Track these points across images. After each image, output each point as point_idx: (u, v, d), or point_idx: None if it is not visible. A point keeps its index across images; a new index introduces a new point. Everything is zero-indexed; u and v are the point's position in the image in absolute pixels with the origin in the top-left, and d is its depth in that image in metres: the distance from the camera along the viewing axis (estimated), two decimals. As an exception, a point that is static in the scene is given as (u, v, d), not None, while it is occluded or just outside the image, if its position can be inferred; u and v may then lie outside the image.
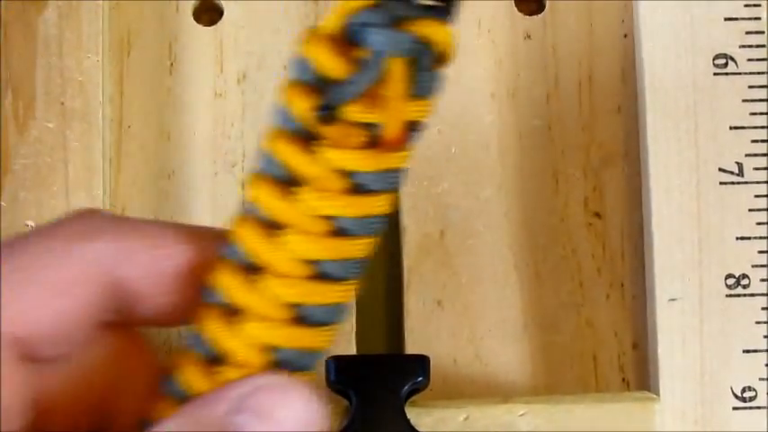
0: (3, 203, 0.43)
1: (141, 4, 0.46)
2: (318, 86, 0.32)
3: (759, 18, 0.45)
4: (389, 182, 0.32)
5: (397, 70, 0.32)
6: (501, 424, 0.42)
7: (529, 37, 0.47)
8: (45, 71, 0.44)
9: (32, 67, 0.44)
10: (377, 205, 0.32)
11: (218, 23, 0.46)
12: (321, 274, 0.32)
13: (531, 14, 0.47)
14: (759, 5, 0.45)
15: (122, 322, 0.34)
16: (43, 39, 0.44)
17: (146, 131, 0.46)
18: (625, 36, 0.47)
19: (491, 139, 0.46)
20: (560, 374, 0.45)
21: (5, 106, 0.44)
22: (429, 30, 0.32)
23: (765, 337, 0.43)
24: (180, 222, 0.36)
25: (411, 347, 0.44)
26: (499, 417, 0.42)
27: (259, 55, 0.46)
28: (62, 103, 0.44)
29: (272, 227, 0.32)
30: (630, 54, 0.46)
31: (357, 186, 0.32)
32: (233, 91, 0.46)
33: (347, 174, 0.32)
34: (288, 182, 0.32)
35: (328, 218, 0.32)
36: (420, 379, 0.41)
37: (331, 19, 0.32)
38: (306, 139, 0.32)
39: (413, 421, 0.40)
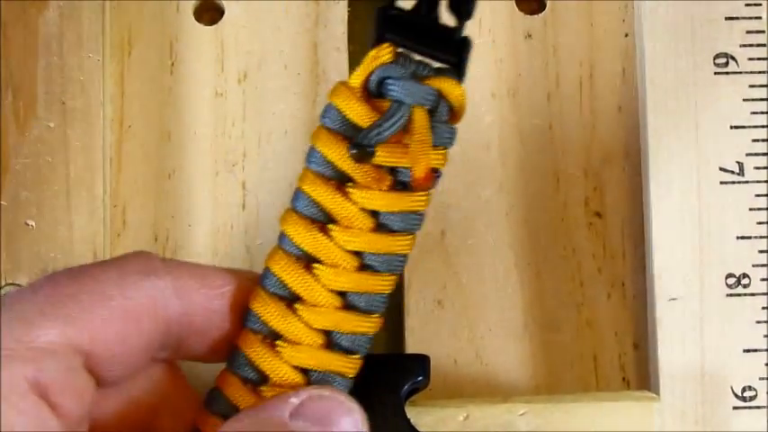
0: (3, 203, 0.43)
1: (142, 4, 0.46)
2: (348, 133, 0.36)
3: (760, 17, 0.45)
4: (411, 223, 0.37)
5: (418, 119, 0.36)
6: (501, 423, 0.42)
7: (529, 36, 0.47)
8: (46, 71, 0.44)
9: (33, 66, 0.44)
10: (400, 244, 0.36)
11: (219, 23, 0.46)
12: (349, 305, 0.36)
13: (531, 14, 0.47)
14: (759, 5, 0.45)
15: (172, 358, 0.37)
16: (44, 38, 0.44)
17: (146, 131, 0.46)
18: (626, 35, 0.47)
19: (491, 138, 0.46)
20: (560, 374, 0.45)
21: (6, 106, 0.44)
22: (445, 85, 0.36)
23: (766, 336, 0.43)
24: (227, 267, 0.39)
25: (411, 347, 0.44)
26: (499, 416, 0.42)
27: (260, 54, 0.46)
28: (63, 103, 0.44)
29: (305, 260, 0.36)
30: (631, 53, 0.46)
31: (382, 226, 0.36)
32: (234, 90, 0.46)
33: (374, 213, 0.36)
34: (320, 219, 0.36)
35: (356, 253, 0.36)
36: (420, 378, 0.41)
37: (357, 73, 0.36)
38: (337, 180, 0.36)
39: (413, 420, 0.40)
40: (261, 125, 0.46)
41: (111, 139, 0.45)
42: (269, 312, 0.36)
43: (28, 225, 0.43)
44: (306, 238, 0.36)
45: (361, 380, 0.38)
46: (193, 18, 0.46)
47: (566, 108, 0.46)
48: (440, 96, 0.36)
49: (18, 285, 0.42)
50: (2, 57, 0.44)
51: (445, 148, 0.36)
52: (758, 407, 0.43)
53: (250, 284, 0.37)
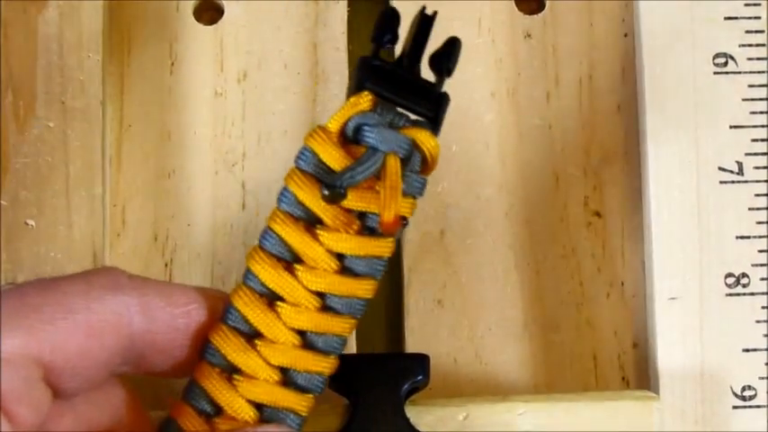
0: (3, 202, 0.43)
1: (142, 4, 0.46)
2: (321, 176, 0.37)
3: (759, 17, 0.45)
4: (375, 268, 0.37)
5: (390, 166, 0.36)
6: (501, 423, 0.42)
7: (529, 36, 0.47)
8: (45, 70, 0.44)
9: (33, 66, 0.44)
10: (363, 288, 0.37)
11: (219, 23, 0.46)
12: (308, 344, 0.37)
13: (531, 14, 0.47)
14: (759, 5, 0.45)
15: (132, 373, 0.37)
16: (44, 38, 0.44)
17: (146, 131, 0.46)
18: (625, 35, 0.47)
19: (491, 138, 0.46)
20: (560, 373, 0.45)
21: (6, 105, 0.44)
22: (419, 136, 0.37)
23: (765, 335, 0.43)
24: (190, 284, 0.40)
25: (411, 346, 0.44)
26: (499, 415, 0.42)
27: (259, 54, 0.46)
28: (63, 103, 0.44)
29: (268, 297, 0.37)
30: (631, 53, 0.46)
31: (347, 269, 0.37)
32: (233, 90, 0.46)
33: (340, 256, 0.37)
34: (286, 258, 0.37)
35: (319, 294, 0.37)
36: (420, 378, 0.41)
37: (335, 118, 0.37)
38: (306, 221, 0.37)
39: (413, 420, 0.40)
40: (260, 125, 0.46)
41: (111, 138, 0.45)
42: (228, 346, 0.37)
43: (28, 225, 0.43)
44: (271, 275, 0.37)
45: (361, 379, 0.38)
46: (193, 18, 0.46)
47: (565, 108, 0.46)
48: (414, 146, 0.37)
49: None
50: (2, 56, 0.44)
51: (414, 198, 0.37)
52: (758, 406, 0.43)
53: (217, 303, 0.38)
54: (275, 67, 0.46)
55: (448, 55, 0.38)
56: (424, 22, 0.38)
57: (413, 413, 0.41)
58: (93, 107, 0.44)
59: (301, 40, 0.46)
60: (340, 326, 0.37)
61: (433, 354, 0.42)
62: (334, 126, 0.37)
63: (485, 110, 0.46)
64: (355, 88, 0.37)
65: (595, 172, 0.46)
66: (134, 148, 0.45)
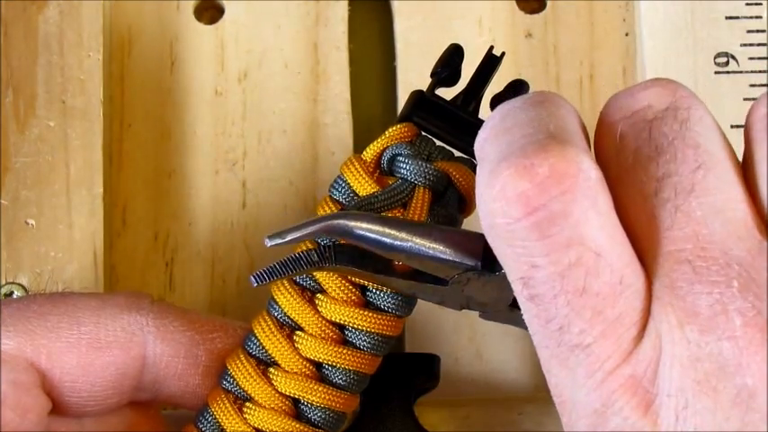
0: (4, 202, 0.43)
1: (142, 3, 0.46)
2: (352, 205, 0.36)
3: (760, 17, 0.45)
4: (400, 305, 0.36)
5: (417, 198, 0.36)
6: (501, 422, 0.42)
7: (530, 35, 0.47)
8: (46, 70, 0.44)
9: (33, 65, 0.44)
10: (385, 324, 0.36)
11: (219, 22, 0.46)
12: (323, 377, 0.36)
13: (532, 13, 0.47)
14: (760, 4, 0.45)
15: (150, 400, 0.37)
16: (44, 37, 0.44)
17: (146, 130, 0.46)
18: (626, 35, 0.47)
19: (492, 137, 0.46)
20: (561, 373, 0.45)
21: (6, 105, 0.44)
22: (455, 170, 0.36)
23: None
24: (215, 315, 0.39)
25: (411, 346, 0.44)
26: (500, 415, 0.42)
27: (260, 53, 0.46)
28: (63, 102, 0.44)
29: (289, 327, 0.36)
30: (632, 52, 0.46)
31: (370, 303, 0.36)
32: (234, 89, 0.46)
33: (363, 289, 0.36)
34: (310, 288, 0.36)
35: (338, 326, 0.36)
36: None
37: (371, 148, 0.37)
38: (309, 290, 0.36)
39: (413, 420, 0.41)
40: (261, 124, 0.46)
41: (112, 137, 0.45)
42: (241, 372, 0.36)
43: (28, 224, 0.43)
44: (292, 305, 0.36)
45: (370, 378, 0.38)
46: (193, 17, 0.46)
47: (566, 107, 0.46)
48: (449, 181, 0.36)
49: (19, 284, 0.42)
50: (2, 56, 0.44)
51: None
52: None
53: (240, 332, 0.37)
54: (276, 67, 0.46)
55: (510, 97, 0.38)
56: (489, 62, 0.38)
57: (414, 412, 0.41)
58: (93, 106, 0.44)
59: (302, 39, 0.46)
60: (358, 361, 0.36)
61: (434, 353, 0.42)
62: (369, 156, 0.37)
63: (485, 109, 0.46)
64: (401, 119, 0.37)
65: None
66: (134, 148, 0.45)
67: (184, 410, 0.38)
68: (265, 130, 0.46)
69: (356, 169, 0.37)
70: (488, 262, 0.33)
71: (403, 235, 0.33)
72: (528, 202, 0.28)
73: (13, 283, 0.42)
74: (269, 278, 0.35)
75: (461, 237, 0.33)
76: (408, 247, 0.33)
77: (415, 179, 0.36)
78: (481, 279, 0.33)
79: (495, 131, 0.30)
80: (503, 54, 0.38)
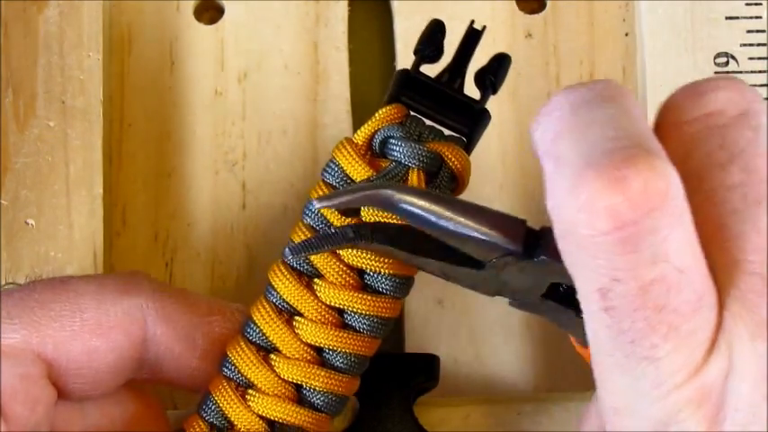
0: (4, 202, 0.43)
1: (142, 3, 0.46)
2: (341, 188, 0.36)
3: (760, 17, 0.45)
4: (398, 287, 0.36)
5: (412, 180, 0.36)
6: (501, 423, 0.42)
7: (530, 35, 0.47)
8: (46, 69, 0.44)
9: (33, 65, 0.44)
10: (383, 306, 0.36)
11: (219, 22, 0.46)
12: (324, 361, 0.36)
13: (532, 13, 0.47)
14: (760, 4, 0.45)
15: (146, 379, 0.37)
16: (44, 37, 0.44)
17: (146, 130, 0.46)
18: (626, 35, 0.47)
19: (491, 138, 0.46)
20: (560, 374, 0.45)
21: (6, 105, 0.44)
22: (448, 150, 0.36)
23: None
24: (214, 297, 0.39)
25: (411, 346, 0.44)
26: (500, 415, 0.42)
27: (260, 53, 0.46)
28: (63, 102, 0.44)
29: (288, 312, 0.36)
30: (631, 52, 0.46)
31: (367, 286, 0.36)
32: (233, 89, 0.46)
33: (360, 272, 0.36)
34: (307, 273, 0.36)
35: (337, 310, 0.36)
36: (429, 378, 0.41)
37: (362, 131, 0.36)
38: (306, 275, 0.36)
39: (413, 420, 0.41)
40: (261, 124, 0.46)
41: (111, 137, 0.45)
42: (242, 360, 0.36)
43: (28, 224, 0.43)
44: (290, 290, 0.36)
45: (369, 377, 0.38)
46: (193, 17, 0.46)
47: (566, 107, 0.46)
48: (441, 162, 0.36)
49: (19, 284, 0.42)
50: (2, 56, 0.44)
51: None
52: None
53: (238, 316, 0.37)
54: (275, 67, 0.46)
55: (495, 71, 0.38)
56: (471, 37, 0.38)
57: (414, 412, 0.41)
58: (93, 106, 0.44)
59: (302, 39, 0.46)
60: (358, 344, 0.36)
61: (433, 354, 0.42)
62: (360, 138, 0.37)
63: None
64: (388, 100, 0.37)
65: (596, 171, 0.46)
66: (134, 148, 0.45)
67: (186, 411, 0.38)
68: (265, 131, 0.46)
69: (348, 152, 0.36)
70: (528, 248, 0.32)
71: (448, 212, 0.32)
72: (618, 217, 0.27)
73: (13, 283, 0.42)
74: (305, 251, 0.34)
75: (504, 219, 0.32)
76: (452, 225, 0.32)
77: (409, 161, 0.36)
78: (519, 265, 0.33)
79: (570, 127, 0.29)
80: (484, 27, 0.38)
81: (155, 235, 0.45)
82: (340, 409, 0.37)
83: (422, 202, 0.33)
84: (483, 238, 0.32)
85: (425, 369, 0.41)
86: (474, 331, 0.44)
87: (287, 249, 0.34)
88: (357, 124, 0.46)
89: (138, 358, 0.36)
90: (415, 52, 0.38)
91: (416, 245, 0.34)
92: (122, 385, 0.37)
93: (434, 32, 0.38)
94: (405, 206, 0.33)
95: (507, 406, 0.42)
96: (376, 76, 0.47)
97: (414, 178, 0.36)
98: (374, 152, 0.37)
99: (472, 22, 0.38)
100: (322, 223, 0.36)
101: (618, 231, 0.28)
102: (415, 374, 0.41)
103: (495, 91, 0.38)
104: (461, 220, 0.32)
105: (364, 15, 0.47)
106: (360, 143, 0.37)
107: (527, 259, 0.32)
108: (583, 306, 0.30)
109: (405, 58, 0.46)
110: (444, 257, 0.34)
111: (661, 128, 0.31)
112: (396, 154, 0.36)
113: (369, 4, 0.47)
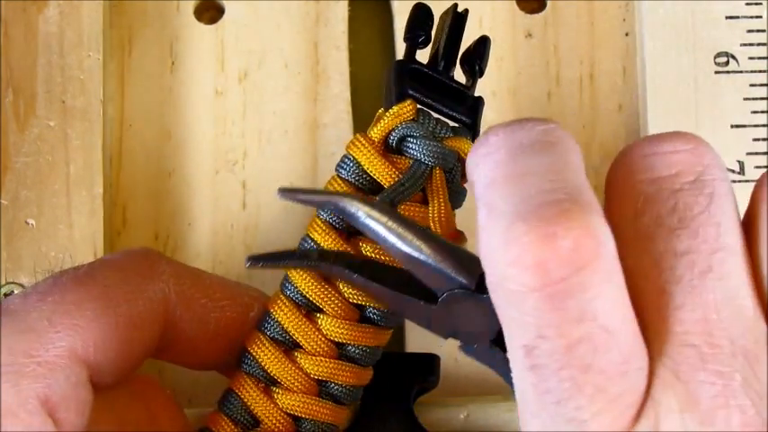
0: (4, 201, 0.43)
1: (142, 3, 0.46)
2: (363, 186, 0.36)
3: (760, 17, 0.45)
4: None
5: (436, 180, 0.36)
6: (501, 422, 0.42)
7: (530, 35, 0.47)
8: (46, 69, 0.44)
9: (33, 65, 0.44)
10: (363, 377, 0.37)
11: (219, 22, 0.46)
12: (346, 356, 0.37)
13: (532, 13, 0.47)
14: (760, 4, 0.45)
15: (156, 357, 0.37)
16: (44, 37, 0.44)
17: (147, 130, 0.46)
18: (626, 34, 0.47)
19: (492, 137, 0.46)
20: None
21: (6, 105, 0.44)
22: (463, 147, 0.36)
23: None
24: (228, 279, 0.39)
25: (411, 346, 0.44)
26: (500, 415, 0.42)
27: (260, 53, 0.46)
28: (63, 102, 0.44)
29: (306, 307, 0.36)
30: (632, 52, 0.46)
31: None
32: (234, 89, 0.46)
33: (360, 306, 0.36)
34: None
35: (357, 305, 0.36)
36: (429, 378, 0.41)
37: (379, 128, 0.36)
38: (345, 232, 0.36)
39: (414, 420, 0.40)
40: (261, 124, 0.46)
41: (112, 137, 0.45)
42: (267, 357, 0.36)
43: (28, 224, 0.43)
44: (311, 285, 0.36)
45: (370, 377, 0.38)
46: (194, 17, 0.46)
47: (566, 107, 0.46)
48: (458, 158, 0.37)
49: (19, 284, 0.42)
50: (2, 55, 0.44)
51: (454, 209, 0.37)
52: None
53: (250, 303, 0.37)
54: (276, 67, 0.46)
55: (480, 55, 0.38)
56: (459, 21, 0.38)
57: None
58: (93, 106, 0.44)
59: (302, 39, 0.46)
60: (377, 337, 0.37)
61: (434, 354, 0.42)
62: (377, 135, 0.37)
63: (486, 109, 0.46)
64: (398, 96, 0.37)
65: (596, 171, 0.46)
66: (134, 148, 0.45)
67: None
68: (265, 130, 0.46)
69: (365, 148, 0.37)
70: (482, 285, 0.31)
71: (408, 235, 0.33)
72: (547, 275, 0.27)
73: (13, 283, 0.42)
74: (264, 262, 0.35)
75: (463, 255, 0.32)
76: (409, 247, 0.33)
77: (431, 161, 0.36)
78: (470, 301, 0.32)
79: (505, 175, 0.29)
80: (466, 11, 0.38)
81: (155, 235, 0.45)
82: (358, 398, 0.38)
83: (384, 219, 0.33)
84: (436, 265, 0.32)
85: (426, 369, 0.41)
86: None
87: (247, 257, 0.35)
88: (357, 124, 0.46)
89: (158, 341, 0.36)
90: (409, 39, 0.38)
91: (375, 275, 0.35)
92: (138, 380, 0.37)
93: (425, 17, 0.37)
94: (367, 221, 0.33)
95: (508, 405, 0.42)
96: (376, 76, 0.47)
97: (437, 177, 0.36)
98: (390, 148, 0.37)
99: (455, 6, 0.38)
100: (339, 221, 0.36)
101: (546, 288, 0.27)
102: (415, 374, 0.41)
103: (482, 74, 0.38)
104: (419, 244, 0.32)
105: (364, 15, 0.47)
106: (376, 140, 0.37)
107: (479, 295, 0.32)
108: (511, 363, 0.30)
109: (405, 58, 0.46)
110: (400, 288, 0.34)
111: (614, 180, 0.31)
112: (416, 153, 0.36)
113: (369, 4, 0.47)
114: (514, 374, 0.30)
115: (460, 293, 0.32)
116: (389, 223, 0.33)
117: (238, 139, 0.46)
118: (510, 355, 0.30)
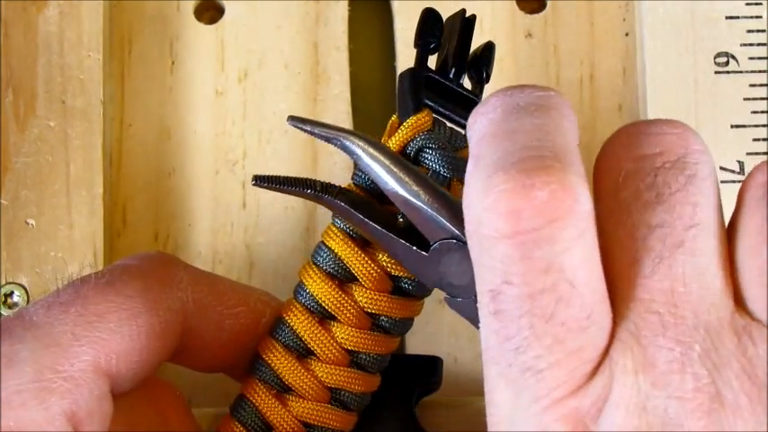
0: (4, 201, 0.43)
1: (142, 3, 0.46)
2: (378, 194, 0.36)
3: (760, 17, 0.45)
4: (426, 289, 0.37)
5: (455, 192, 0.35)
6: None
7: (530, 35, 0.47)
8: (46, 69, 0.44)
9: (33, 65, 0.44)
10: (414, 308, 0.37)
11: (219, 22, 0.46)
12: (358, 364, 0.37)
13: (532, 13, 0.47)
14: (760, 4, 0.45)
15: (167, 360, 0.37)
16: (44, 37, 0.44)
17: (146, 130, 0.46)
18: (626, 35, 0.47)
19: (492, 137, 0.46)
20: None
21: (6, 105, 0.44)
22: None
23: None
24: (240, 283, 0.40)
25: (412, 347, 0.44)
26: (500, 415, 0.42)
27: (260, 53, 0.46)
28: (63, 102, 0.44)
29: (319, 315, 0.37)
30: (632, 52, 0.46)
31: (400, 289, 0.37)
32: (234, 89, 0.46)
33: (394, 276, 0.36)
34: (339, 276, 0.36)
35: (371, 314, 0.37)
36: (432, 381, 0.41)
37: (397, 139, 0.36)
38: (360, 240, 0.36)
39: (414, 420, 0.40)
40: (261, 124, 0.46)
41: (112, 137, 0.45)
42: (281, 365, 0.36)
43: (28, 224, 0.43)
44: (324, 292, 0.36)
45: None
46: (194, 17, 0.46)
47: (566, 107, 0.46)
48: None
49: (19, 284, 0.42)
50: (2, 56, 0.44)
51: None
52: None
53: (263, 308, 0.37)
54: (276, 67, 0.46)
55: (487, 61, 0.38)
56: (468, 27, 0.38)
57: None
58: (93, 106, 0.44)
59: (302, 39, 0.46)
60: (388, 344, 0.37)
61: (433, 353, 0.42)
62: (395, 145, 0.36)
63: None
64: (415, 106, 0.37)
65: (596, 171, 0.46)
66: (134, 147, 0.45)
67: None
68: (265, 130, 0.46)
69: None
70: None
71: (409, 180, 0.33)
72: (519, 223, 0.28)
73: (13, 283, 0.42)
74: (269, 184, 0.35)
75: (459, 207, 0.32)
76: (409, 193, 0.33)
77: (448, 173, 0.36)
78: (460, 252, 0.33)
79: (496, 131, 0.30)
80: (473, 16, 0.38)
81: (155, 235, 0.45)
82: (366, 404, 0.38)
83: (386, 161, 0.34)
84: (432, 213, 0.33)
85: (429, 371, 0.41)
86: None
87: (254, 176, 0.36)
88: (357, 124, 0.46)
89: (175, 348, 0.36)
90: (420, 45, 0.37)
91: (373, 215, 0.35)
92: (153, 383, 0.37)
93: (436, 23, 0.37)
94: (368, 160, 0.34)
95: (508, 405, 0.42)
96: (376, 76, 0.47)
97: (454, 188, 0.36)
98: (407, 158, 0.37)
99: (463, 12, 0.38)
100: (368, 187, 0.36)
101: (517, 236, 0.28)
102: (418, 377, 0.41)
103: (488, 80, 0.38)
104: (417, 189, 0.34)
105: (364, 15, 0.47)
106: (394, 150, 0.36)
107: (467, 247, 0.32)
108: (479, 310, 0.30)
109: (405, 58, 0.46)
110: (395, 231, 0.35)
111: (601, 159, 0.32)
112: (433, 165, 0.36)
113: (369, 4, 0.47)
114: (481, 321, 0.30)
115: (452, 244, 0.33)
116: (391, 165, 0.34)
117: (238, 138, 0.46)
118: (478, 301, 0.30)
